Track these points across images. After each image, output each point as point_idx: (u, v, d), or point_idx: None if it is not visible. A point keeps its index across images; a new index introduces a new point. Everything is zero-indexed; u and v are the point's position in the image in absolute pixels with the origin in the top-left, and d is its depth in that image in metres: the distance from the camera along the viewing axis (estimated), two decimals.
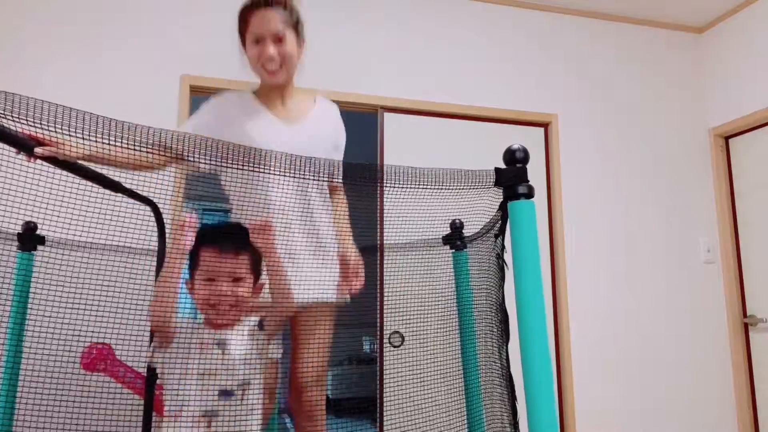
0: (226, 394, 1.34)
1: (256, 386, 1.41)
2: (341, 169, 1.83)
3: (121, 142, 1.06)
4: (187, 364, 1.35)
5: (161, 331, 1.35)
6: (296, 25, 1.78)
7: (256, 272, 1.48)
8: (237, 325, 1.43)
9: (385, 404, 2.67)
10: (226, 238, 1.44)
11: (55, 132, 1.00)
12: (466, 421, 1.63)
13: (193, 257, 1.43)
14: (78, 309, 1.44)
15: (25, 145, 1.11)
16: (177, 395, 1.33)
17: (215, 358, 1.36)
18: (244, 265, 1.43)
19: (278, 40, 1.71)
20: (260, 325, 1.46)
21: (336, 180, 1.81)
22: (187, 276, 1.45)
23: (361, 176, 1.28)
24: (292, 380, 1.67)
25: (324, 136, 1.83)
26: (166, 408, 1.35)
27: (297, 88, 1.89)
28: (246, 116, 1.76)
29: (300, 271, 1.59)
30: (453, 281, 1.81)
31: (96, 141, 1.03)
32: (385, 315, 2.77)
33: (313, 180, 1.71)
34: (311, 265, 1.65)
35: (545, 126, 3.32)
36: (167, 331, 1.35)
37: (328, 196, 1.81)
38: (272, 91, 1.82)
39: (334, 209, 1.82)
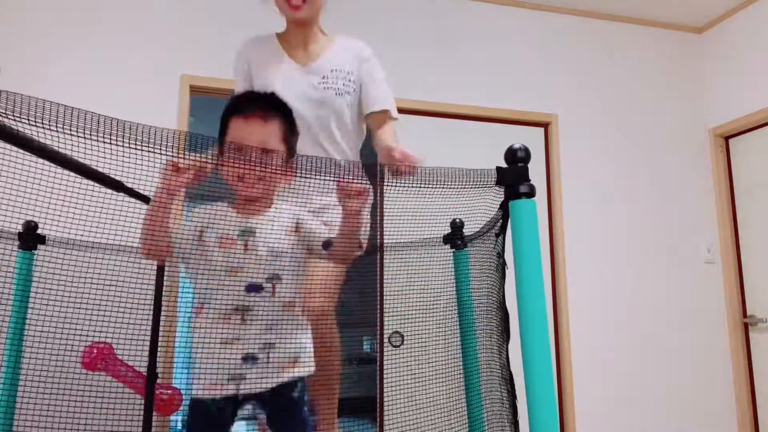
0: (254, 288, 1.30)
1: (288, 280, 1.35)
2: (382, 94, 1.86)
3: (122, 143, 1.06)
4: (208, 262, 1.30)
5: (155, 252, 1.30)
6: None
7: (288, 145, 1.40)
8: (264, 212, 1.36)
9: (385, 404, 2.67)
10: (254, 103, 1.38)
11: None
12: (466, 421, 1.63)
13: (223, 129, 1.38)
14: (79, 308, 1.44)
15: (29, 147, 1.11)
16: (205, 291, 1.29)
17: (240, 251, 1.30)
18: (274, 134, 1.36)
19: None
20: (326, 245, 1.38)
21: (374, 111, 1.86)
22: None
23: (362, 175, 1.28)
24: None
25: (339, 72, 1.84)
26: (196, 301, 1.31)
27: (321, 33, 1.92)
28: (264, 63, 1.83)
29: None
30: (453, 281, 1.81)
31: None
32: (385, 315, 2.77)
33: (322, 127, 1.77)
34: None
35: (545, 126, 3.32)
36: (161, 251, 1.29)
37: (349, 137, 1.86)
38: (295, 31, 1.87)
39: (379, 135, 1.85)
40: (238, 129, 1.34)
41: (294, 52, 1.86)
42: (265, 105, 1.39)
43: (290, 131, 1.42)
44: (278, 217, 1.37)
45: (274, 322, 1.31)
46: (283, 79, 1.80)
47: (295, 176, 1.34)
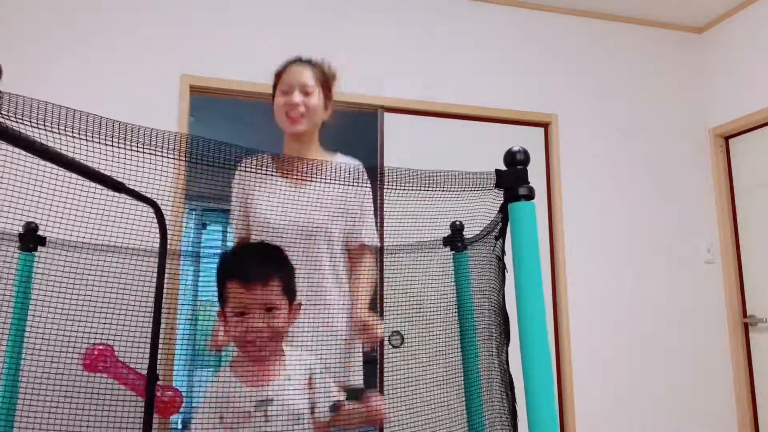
0: None
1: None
2: (367, 228, 1.83)
3: (123, 145, 1.06)
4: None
5: None
6: (325, 84, 1.82)
7: (290, 293, 1.40)
8: (275, 371, 1.36)
9: (385, 404, 2.67)
10: (250, 266, 1.37)
11: None
12: (466, 422, 1.63)
13: (220, 289, 1.37)
14: (79, 310, 1.44)
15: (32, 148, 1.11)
16: None
17: (260, 421, 1.29)
18: (275, 292, 1.35)
19: (305, 92, 1.76)
20: (333, 408, 1.38)
21: (362, 240, 1.81)
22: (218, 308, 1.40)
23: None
24: None
25: (334, 197, 1.77)
26: None
27: (319, 149, 1.87)
28: (259, 187, 1.78)
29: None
30: (453, 283, 1.81)
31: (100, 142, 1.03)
32: (385, 315, 2.77)
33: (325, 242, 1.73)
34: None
35: (545, 126, 3.32)
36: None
37: (340, 260, 1.80)
38: (293, 147, 1.83)
39: (354, 272, 1.81)
40: (239, 296, 1.33)
41: (289, 173, 1.78)
42: (262, 268, 1.36)
43: (289, 278, 1.41)
44: (293, 376, 1.37)
45: None
46: (276, 206, 1.73)
47: (299, 314, 1.39)
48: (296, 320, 1.41)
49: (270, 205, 1.72)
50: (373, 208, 1.87)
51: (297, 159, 1.79)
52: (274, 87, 1.83)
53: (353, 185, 1.76)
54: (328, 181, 1.73)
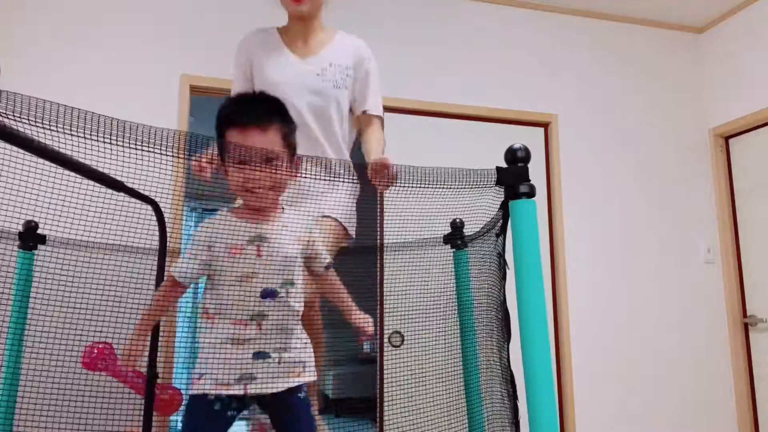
0: (270, 294, 1.28)
1: (299, 286, 1.35)
2: (371, 97, 1.90)
3: (122, 143, 1.06)
4: (219, 274, 1.28)
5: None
6: None
7: (289, 143, 1.38)
8: (273, 217, 1.35)
9: (385, 404, 2.67)
10: (249, 113, 1.34)
11: None
12: (466, 421, 1.63)
13: (220, 139, 1.35)
14: (79, 308, 1.44)
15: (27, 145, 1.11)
16: (215, 303, 1.28)
17: (251, 257, 1.28)
18: (274, 140, 1.33)
19: None
20: (327, 267, 1.40)
21: (366, 108, 1.89)
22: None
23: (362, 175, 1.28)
24: None
25: (337, 66, 1.87)
26: (207, 310, 1.30)
27: (322, 27, 1.96)
28: (265, 54, 1.87)
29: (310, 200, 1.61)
30: (454, 280, 1.81)
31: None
32: (385, 315, 2.77)
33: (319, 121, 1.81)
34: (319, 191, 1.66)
35: (545, 126, 3.32)
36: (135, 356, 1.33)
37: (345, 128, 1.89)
38: (296, 26, 1.90)
39: (364, 135, 1.89)
40: (236, 141, 1.32)
41: (294, 46, 1.89)
42: (261, 112, 1.36)
43: (289, 129, 1.40)
44: (291, 224, 1.36)
45: (288, 327, 1.31)
46: (282, 70, 1.84)
47: (301, 175, 1.35)
48: (297, 177, 1.37)
49: (277, 70, 1.82)
50: (377, 81, 1.96)
51: (302, 36, 1.90)
52: None
53: (357, 59, 1.90)
54: (333, 52, 1.87)
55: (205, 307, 1.32)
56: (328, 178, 1.67)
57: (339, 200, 1.76)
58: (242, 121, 1.33)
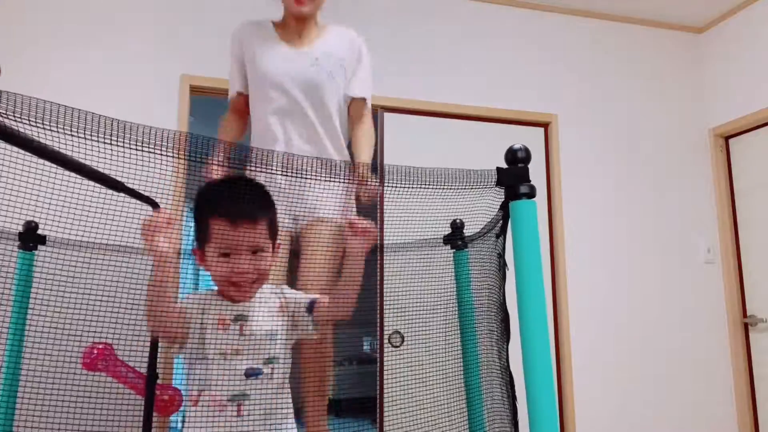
0: (253, 373, 1.25)
1: (283, 362, 1.32)
2: (359, 81, 1.92)
3: (122, 143, 1.06)
4: (205, 346, 1.25)
5: (165, 334, 1.26)
6: None
7: (274, 233, 1.34)
8: (255, 295, 1.32)
9: (385, 404, 2.67)
10: (240, 204, 1.28)
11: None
12: (466, 421, 1.63)
13: (201, 225, 1.30)
14: (79, 308, 1.44)
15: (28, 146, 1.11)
16: (199, 381, 1.24)
17: (235, 334, 1.26)
18: (264, 233, 1.28)
19: None
20: (309, 308, 1.35)
21: (355, 96, 1.91)
22: (192, 245, 1.33)
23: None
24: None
25: (331, 56, 1.89)
26: (192, 394, 1.26)
27: (317, 23, 1.98)
28: (258, 44, 1.89)
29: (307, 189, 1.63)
30: (454, 281, 1.81)
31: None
32: (385, 315, 2.77)
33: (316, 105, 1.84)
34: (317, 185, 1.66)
35: (545, 126, 3.32)
36: (172, 334, 1.25)
37: (337, 122, 1.90)
38: (293, 23, 1.92)
39: (353, 129, 1.92)
40: (225, 234, 1.25)
41: (288, 38, 1.91)
42: (251, 205, 1.29)
43: (275, 215, 1.35)
44: (265, 299, 1.33)
45: (271, 410, 1.26)
46: (277, 60, 1.85)
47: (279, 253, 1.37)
48: (276, 262, 1.36)
49: (271, 60, 1.84)
50: (369, 70, 1.98)
51: (297, 33, 1.93)
52: None
53: (350, 48, 1.93)
54: (326, 42, 1.91)
55: (189, 392, 1.28)
56: (321, 178, 1.67)
57: (336, 200, 1.76)
58: (232, 212, 1.25)
